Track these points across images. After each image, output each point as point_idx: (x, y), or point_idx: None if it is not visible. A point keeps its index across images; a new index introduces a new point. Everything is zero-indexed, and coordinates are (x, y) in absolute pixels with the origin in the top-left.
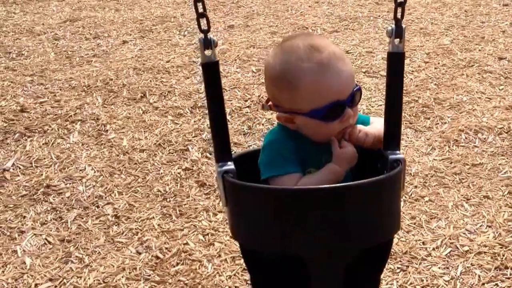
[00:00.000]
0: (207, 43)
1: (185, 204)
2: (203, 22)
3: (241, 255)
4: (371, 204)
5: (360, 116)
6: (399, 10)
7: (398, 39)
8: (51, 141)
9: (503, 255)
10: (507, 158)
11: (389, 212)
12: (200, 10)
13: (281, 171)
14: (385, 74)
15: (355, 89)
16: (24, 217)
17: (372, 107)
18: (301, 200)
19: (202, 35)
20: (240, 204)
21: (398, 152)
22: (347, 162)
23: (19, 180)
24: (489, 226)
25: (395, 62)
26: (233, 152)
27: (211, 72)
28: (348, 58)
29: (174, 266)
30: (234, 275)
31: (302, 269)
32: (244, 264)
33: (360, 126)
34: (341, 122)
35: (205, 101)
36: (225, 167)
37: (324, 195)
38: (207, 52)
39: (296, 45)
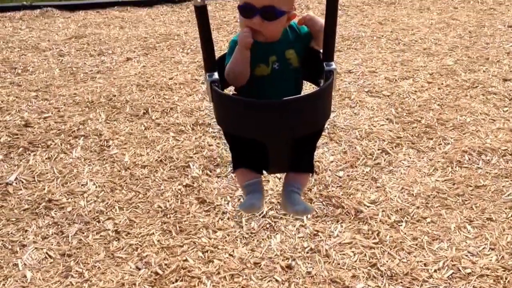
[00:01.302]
0: None
1: (185, 221)
2: None
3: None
4: (309, 108)
5: (304, 29)
6: None
7: None
8: (54, 156)
9: (506, 278)
10: (511, 180)
11: (321, 110)
12: None
13: (229, 59)
14: (388, 94)
15: (272, 7)
16: (26, 231)
17: (375, 126)
18: (259, 107)
19: None
20: (221, 104)
21: (332, 63)
22: (240, 43)
23: (21, 194)
24: (492, 249)
25: None
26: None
27: (202, 13)
28: (349, 77)
29: (173, 283)
30: None
31: (263, 145)
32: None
33: (310, 15)
34: (252, 22)
35: (206, 117)
36: (212, 78)
37: (274, 105)
38: None
39: None
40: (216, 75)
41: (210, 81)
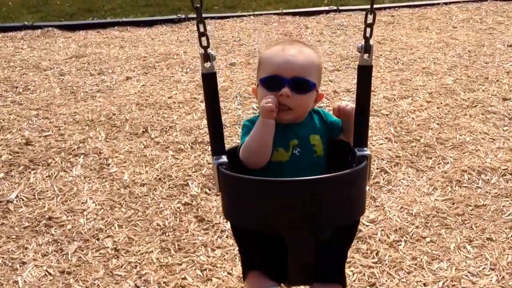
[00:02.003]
0: (207, 57)
1: (184, 239)
2: (204, 39)
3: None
4: (340, 192)
5: (332, 118)
6: (368, 30)
7: (367, 54)
8: (54, 174)
9: None
10: (511, 200)
11: (357, 198)
12: (202, 30)
13: (245, 139)
14: (387, 113)
15: (303, 78)
16: (26, 248)
17: (373, 145)
18: (280, 189)
19: (203, 50)
20: (231, 190)
21: (365, 149)
22: (263, 112)
23: (22, 211)
24: (492, 269)
25: (364, 74)
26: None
27: (210, 81)
28: (348, 95)
29: None
30: None
31: (282, 243)
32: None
33: (346, 102)
34: (278, 95)
35: (205, 136)
36: (220, 160)
37: (299, 186)
38: (207, 65)
39: (277, 42)
40: (224, 158)
41: (218, 164)
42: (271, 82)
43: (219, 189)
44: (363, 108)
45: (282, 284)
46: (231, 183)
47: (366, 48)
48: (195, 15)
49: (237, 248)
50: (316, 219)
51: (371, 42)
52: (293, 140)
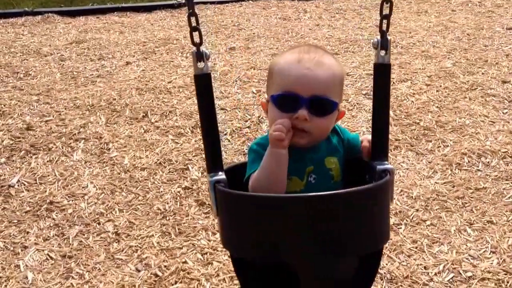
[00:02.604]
0: (199, 56)
1: (184, 223)
2: (196, 35)
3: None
4: (359, 213)
5: (349, 134)
6: (385, 22)
7: (383, 51)
8: (55, 158)
9: (508, 282)
10: (511, 182)
11: (378, 221)
12: (194, 24)
13: (254, 168)
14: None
15: (324, 98)
16: (28, 232)
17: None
18: (288, 207)
19: (195, 48)
20: (230, 213)
21: (386, 162)
22: (271, 142)
23: (23, 196)
24: (493, 252)
25: (381, 74)
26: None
27: (203, 84)
28: (347, 79)
29: (172, 284)
30: None
31: (292, 277)
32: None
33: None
34: (294, 118)
35: None
36: (216, 177)
37: (310, 203)
38: (200, 65)
39: (292, 50)
40: (222, 175)
41: (214, 182)
42: (285, 101)
43: (217, 213)
44: (382, 113)
45: None
46: (231, 203)
47: (383, 44)
48: (194, 0)
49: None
50: (330, 244)
51: (388, 36)
52: (309, 166)
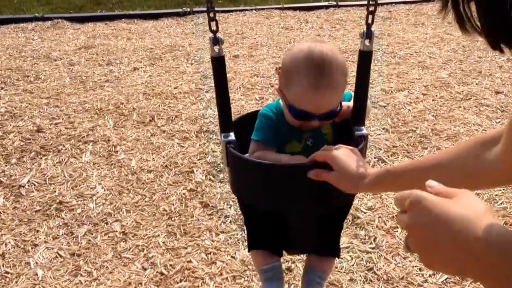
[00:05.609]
0: (216, 41)
1: (189, 224)
2: (213, 24)
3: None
4: None
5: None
6: (370, 16)
7: (368, 40)
8: (64, 160)
9: None
10: (504, 189)
11: None
12: (212, 15)
13: (261, 137)
14: (384, 104)
15: (334, 111)
16: (38, 231)
17: (371, 135)
18: (282, 173)
19: (212, 35)
20: (237, 169)
21: (362, 128)
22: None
23: (33, 196)
24: None
25: (365, 59)
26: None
27: (219, 64)
28: (346, 89)
29: (177, 283)
30: None
31: (285, 218)
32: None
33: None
34: (307, 123)
35: (210, 125)
36: (228, 138)
37: (299, 171)
38: (216, 48)
39: (312, 52)
40: (232, 136)
41: (226, 142)
42: (300, 115)
43: (227, 164)
44: (362, 88)
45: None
46: (238, 164)
47: (368, 34)
48: (199, 9)
49: (243, 220)
50: (318, 199)
51: (373, 28)
52: (307, 133)
